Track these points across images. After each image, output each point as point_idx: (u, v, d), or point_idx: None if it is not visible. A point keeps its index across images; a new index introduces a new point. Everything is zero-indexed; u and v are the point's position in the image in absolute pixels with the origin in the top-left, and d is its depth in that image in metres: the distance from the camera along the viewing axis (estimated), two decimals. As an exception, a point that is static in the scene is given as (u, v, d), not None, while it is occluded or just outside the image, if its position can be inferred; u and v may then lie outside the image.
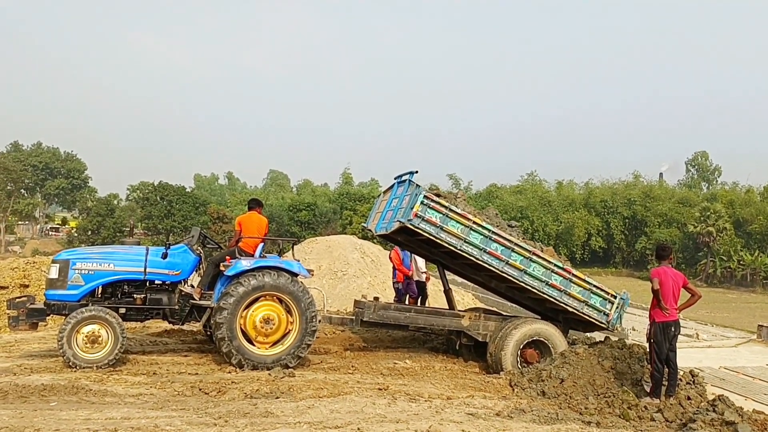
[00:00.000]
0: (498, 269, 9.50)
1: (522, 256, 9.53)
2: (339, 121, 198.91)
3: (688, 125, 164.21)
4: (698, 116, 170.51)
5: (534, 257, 9.58)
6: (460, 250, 9.34)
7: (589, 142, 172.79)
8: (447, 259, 10.57)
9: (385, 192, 11.10)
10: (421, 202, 9.08)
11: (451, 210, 9.25)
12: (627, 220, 71.84)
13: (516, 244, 9.53)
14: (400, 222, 9.21)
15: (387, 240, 11.58)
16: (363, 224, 13.82)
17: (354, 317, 10.50)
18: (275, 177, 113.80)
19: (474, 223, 9.35)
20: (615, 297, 9.96)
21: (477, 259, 9.42)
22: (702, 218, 64.80)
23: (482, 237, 9.37)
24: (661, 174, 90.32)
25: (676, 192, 78.52)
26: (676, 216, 69.56)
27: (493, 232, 9.43)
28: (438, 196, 9.37)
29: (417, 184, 9.31)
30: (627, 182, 78.03)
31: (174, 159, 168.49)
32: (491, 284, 10.73)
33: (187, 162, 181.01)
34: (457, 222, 9.27)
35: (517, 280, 9.57)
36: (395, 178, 10.40)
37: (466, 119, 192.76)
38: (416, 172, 9.48)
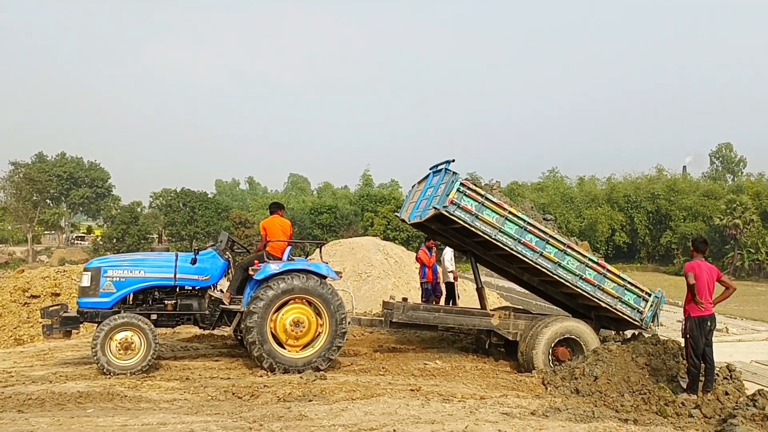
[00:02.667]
0: (532, 260, 9.43)
1: (556, 248, 9.46)
2: (358, 123, 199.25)
3: (711, 117, 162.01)
4: (721, 107, 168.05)
5: (569, 250, 9.50)
6: (494, 239, 9.30)
7: (610, 137, 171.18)
8: (480, 250, 10.50)
9: (419, 182, 11.06)
10: (458, 190, 9.06)
11: (487, 199, 9.22)
12: (651, 215, 70.92)
13: (551, 236, 9.46)
14: (436, 209, 9.19)
15: (420, 229, 11.54)
16: (396, 213, 13.82)
17: (383, 318, 10.47)
18: (296, 181, 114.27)
19: (510, 213, 9.30)
20: (649, 295, 9.81)
21: (511, 249, 9.36)
22: (728, 210, 63.80)
23: (517, 227, 9.32)
24: (684, 167, 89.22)
25: (700, 185, 77.35)
26: (701, 209, 68.52)
27: (529, 223, 9.38)
28: (474, 185, 9.34)
29: (454, 172, 9.29)
30: (650, 176, 76.99)
31: (195, 165, 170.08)
32: (523, 277, 10.65)
33: (207, 168, 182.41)
34: (493, 211, 9.24)
35: (551, 272, 9.49)
36: (430, 168, 10.37)
37: (485, 117, 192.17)
38: (453, 161, 9.45)
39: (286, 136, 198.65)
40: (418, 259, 13.53)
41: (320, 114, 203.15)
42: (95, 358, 8.12)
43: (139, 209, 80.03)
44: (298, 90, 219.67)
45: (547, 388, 8.55)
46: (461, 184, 9.10)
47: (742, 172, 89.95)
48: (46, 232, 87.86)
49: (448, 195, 9.05)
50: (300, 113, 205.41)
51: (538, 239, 9.40)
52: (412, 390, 7.93)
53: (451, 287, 13.21)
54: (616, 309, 9.70)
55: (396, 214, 13.15)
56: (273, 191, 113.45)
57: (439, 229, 10.66)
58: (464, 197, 9.13)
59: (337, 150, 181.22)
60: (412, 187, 11.59)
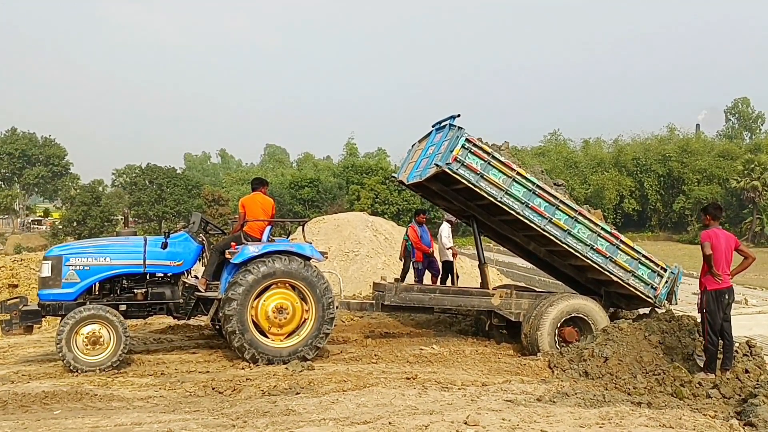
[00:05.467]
0: (540, 227, 9.47)
1: (567, 215, 9.51)
2: (339, 87, 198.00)
3: (726, 70, 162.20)
4: (737, 60, 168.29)
5: (580, 217, 9.55)
6: (499, 202, 9.33)
7: (617, 95, 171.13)
8: (483, 215, 10.53)
9: (420, 141, 11.04)
10: (462, 146, 9.07)
11: (494, 157, 9.23)
12: (662, 179, 71.22)
13: (561, 202, 9.50)
14: (438, 166, 9.19)
15: (419, 191, 11.55)
16: (393, 175, 13.77)
17: (374, 301, 10.53)
18: (273, 152, 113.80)
19: (518, 174, 9.31)
20: (665, 270, 9.88)
21: (518, 213, 9.39)
22: (746, 172, 64.11)
23: (525, 190, 9.35)
24: (698, 125, 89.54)
25: (715, 144, 77.62)
26: (716, 171, 68.86)
27: (538, 186, 9.40)
28: (481, 142, 9.34)
29: (459, 127, 9.26)
30: (661, 137, 77.22)
31: (161, 139, 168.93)
32: (529, 247, 10.69)
33: (175, 141, 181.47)
34: (500, 171, 9.26)
35: (560, 241, 9.54)
36: (433, 126, 10.36)
37: (479, 77, 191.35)
38: (458, 115, 9.43)
39: (262, 103, 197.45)
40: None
41: (298, 78, 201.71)
42: (60, 354, 8.11)
43: (100, 188, 79.67)
44: (274, 53, 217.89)
45: (553, 372, 8.66)
46: (466, 140, 9.10)
47: (760, 129, 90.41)
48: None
49: (451, 152, 9.05)
50: (276, 78, 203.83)
51: (547, 204, 9.43)
52: (408, 378, 8.01)
53: (449, 266, 13.24)
54: (628, 284, 9.76)
55: (393, 175, 13.10)
56: (248, 164, 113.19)
57: (441, 191, 10.65)
58: (469, 155, 9.13)
59: (317, 117, 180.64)
60: (412, 146, 11.54)
